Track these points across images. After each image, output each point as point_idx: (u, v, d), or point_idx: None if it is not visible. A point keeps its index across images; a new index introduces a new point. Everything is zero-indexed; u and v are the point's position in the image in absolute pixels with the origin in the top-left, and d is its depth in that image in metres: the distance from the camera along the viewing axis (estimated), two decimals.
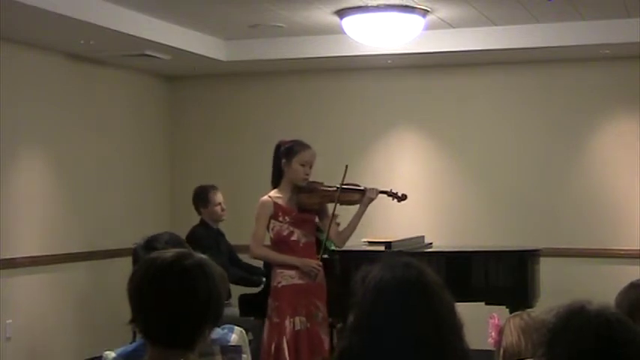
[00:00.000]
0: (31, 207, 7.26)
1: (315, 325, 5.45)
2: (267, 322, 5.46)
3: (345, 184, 5.66)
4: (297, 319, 5.38)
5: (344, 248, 6.52)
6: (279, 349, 5.33)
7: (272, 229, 5.48)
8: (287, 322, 5.36)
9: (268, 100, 8.97)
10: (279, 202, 5.47)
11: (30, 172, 7.28)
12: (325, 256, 6.36)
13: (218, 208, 7.03)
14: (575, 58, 8.06)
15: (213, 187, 7.10)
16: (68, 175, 7.70)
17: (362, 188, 5.68)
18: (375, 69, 8.59)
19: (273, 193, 5.51)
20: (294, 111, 8.83)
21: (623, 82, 8.03)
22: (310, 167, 5.50)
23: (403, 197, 5.87)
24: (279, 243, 5.49)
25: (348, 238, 5.73)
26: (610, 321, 2.00)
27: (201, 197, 7.07)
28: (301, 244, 5.50)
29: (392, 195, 5.84)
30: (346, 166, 5.59)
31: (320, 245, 5.80)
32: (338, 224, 5.84)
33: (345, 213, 5.88)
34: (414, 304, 2.13)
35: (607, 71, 8.09)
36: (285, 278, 5.44)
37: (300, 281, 5.44)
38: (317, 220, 5.66)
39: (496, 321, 3.04)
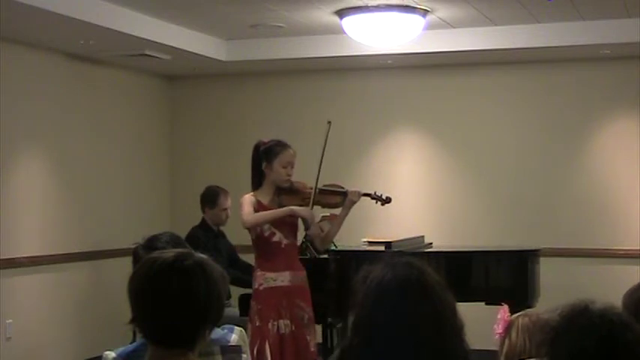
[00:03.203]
0: (31, 207, 7.26)
1: (301, 327, 5.37)
2: (249, 326, 5.35)
3: (327, 186, 5.60)
4: (281, 322, 5.31)
5: (344, 248, 6.54)
6: (261, 352, 5.26)
7: (254, 229, 5.40)
8: (270, 326, 5.29)
9: (268, 100, 8.97)
10: (262, 201, 5.41)
11: (30, 172, 7.28)
12: (325, 255, 6.37)
13: (224, 213, 7.03)
14: (575, 58, 8.06)
15: (224, 191, 7.09)
16: (68, 175, 7.70)
17: (344, 190, 5.58)
18: (375, 69, 8.58)
19: (255, 193, 5.44)
20: (294, 111, 8.83)
21: (623, 82, 8.03)
22: (292, 167, 5.43)
23: (387, 200, 5.78)
24: (261, 244, 5.41)
25: (329, 241, 5.68)
26: (613, 321, 2.01)
27: (210, 198, 7.06)
28: (283, 245, 5.41)
29: (375, 198, 5.75)
30: (329, 122, 5.59)
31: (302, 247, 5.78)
32: (334, 215, 5.71)
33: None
34: (415, 304, 2.13)
35: (607, 71, 8.09)
36: (267, 280, 5.36)
37: (282, 283, 5.37)
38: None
39: (505, 315, 3.01)
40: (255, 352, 5.25)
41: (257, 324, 5.32)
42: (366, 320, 2.16)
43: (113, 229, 8.08)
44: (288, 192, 5.47)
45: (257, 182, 5.47)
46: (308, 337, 5.40)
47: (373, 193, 5.76)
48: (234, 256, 7.20)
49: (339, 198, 5.57)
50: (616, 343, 1.99)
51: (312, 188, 5.54)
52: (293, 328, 5.34)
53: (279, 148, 5.40)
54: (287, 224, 5.44)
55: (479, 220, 8.34)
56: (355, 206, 5.62)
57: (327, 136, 5.63)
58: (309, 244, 5.96)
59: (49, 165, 7.51)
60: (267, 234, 5.38)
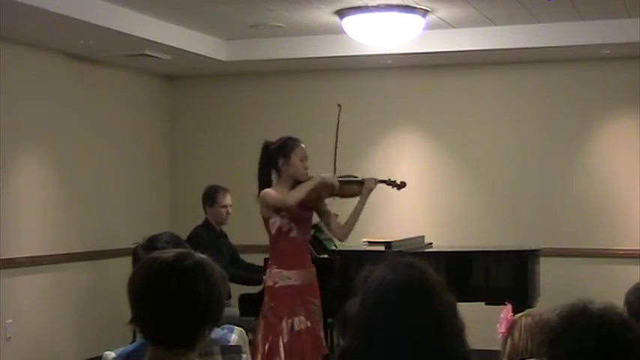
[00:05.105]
0: (31, 207, 7.26)
1: (315, 323, 5.44)
2: (261, 322, 5.41)
3: (343, 177, 5.64)
4: (296, 319, 5.35)
5: (345, 248, 6.54)
6: (273, 349, 5.30)
7: (273, 224, 5.43)
8: (284, 324, 5.33)
9: (268, 100, 8.97)
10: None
11: (30, 172, 7.28)
12: (325, 255, 6.38)
13: (223, 210, 7.06)
14: (575, 58, 8.06)
15: (224, 189, 7.14)
16: (68, 175, 7.70)
17: (360, 179, 5.63)
18: (375, 69, 8.58)
19: (274, 188, 5.45)
20: (294, 111, 8.82)
21: (623, 82, 8.03)
22: (306, 161, 5.49)
23: (402, 185, 5.84)
24: (278, 239, 5.45)
25: (350, 230, 5.66)
26: (612, 321, 2.01)
27: (210, 196, 7.11)
28: (299, 241, 5.47)
29: (391, 183, 5.81)
30: (339, 105, 5.72)
31: (320, 244, 5.80)
32: (337, 215, 5.77)
33: (344, 205, 5.83)
34: (416, 305, 2.13)
35: (607, 71, 8.09)
36: (282, 279, 5.40)
37: (296, 282, 5.41)
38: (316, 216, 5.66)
39: (508, 314, 3.01)
40: (266, 348, 5.31)
41: (270, 320, 5.37)
42: (366, 321, 2.16)
43: (113, 229, 8.08)
44: None
45: (265, 183, 5.48)
46: (321, 334, 5.52)
47: (388, 179, 5.82)
48: (236, 257, 7.21)
49: (356, 187, 5.62)
50: (616, 343, 1.99)
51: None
52: (309, 324, 5.40)
53: (293, 142, 5.47)
54: (304, 220, 5.50)
55: (479, 220, 8.34)
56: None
57: (338, 120, 5.68)
58: (309, 245, 5.97)
59: (49, 165, 7.50)
60: (286, 229, 5.43)
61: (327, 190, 5.53)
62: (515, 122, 8.36)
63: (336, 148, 5.66)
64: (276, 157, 5.44)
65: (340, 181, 5.59)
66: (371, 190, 5.59)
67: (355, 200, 5.64)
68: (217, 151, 9.05)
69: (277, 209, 5.39)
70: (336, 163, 5.69)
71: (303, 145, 5.48)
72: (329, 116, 8.68)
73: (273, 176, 5.49)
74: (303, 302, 5.41)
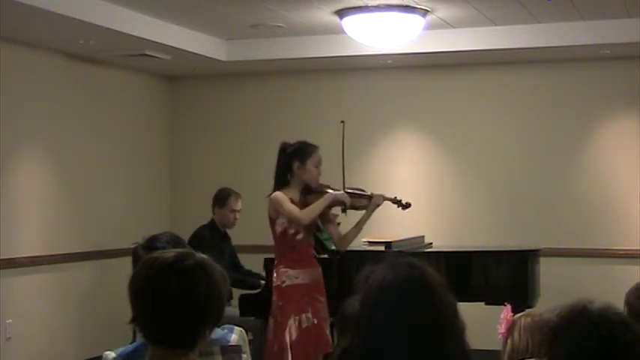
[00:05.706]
0: (31, 207, 7.26)
1: (321, 320, 5.50)
2: (271, 321, 5.51)
3: (353, 189, 5.74)
4: (303, 316, 5.42)
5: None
6: (282, 348, 5.37)
7: (280, 225, 5.48)
8: (291, 321, 5.39)
9: (268, 100, 8.96)
10: (293, 199, 5.50)
11: (30, 172, 7.28)
12: (325, 255, 6.39)
13: (231, 215, 7.08)
14: (575, 58, 8.06)
15: (236, 194, 7.16)
16: (68, 175, 7.70)
17: (369, 194, 5.74)
18: (375, 69, 8.58)
19: (285, 191, 5.50)
20: (294, 111, 8.82)
21: (623, 82, 8.03)
22: (320, 166, 5.57)
23: (407, 205, 5.96)
24: (286, 241, 5.51)
25: (350, 242, 5.78)
26: (612, 321, 2.00)
27: (220, 198, 7.13)
28: (305, 243, 5.55)
29: (397, 202, 5.92)
30: (342, 122, 5.79)
31: (321, 244, 5.83)
32: (339, 224, 5.86)
33: (347, 215, 5.90)
34: (416, 305, 2.13)
35: (607, 71, 8.09)
36: (290, 278, 5.47)
37: (303, 281, 5.48)
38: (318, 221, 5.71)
39: (508, 315, 3.01)
40: (275, 347, 5.37)
41: (279, 319, 5.44)
42: (366, 321, 2.16)
43: (113, 229, 8.08)
44: (314, 192, 5.57)
45: (282, 182, 5.53)
46: (327, 331, 5.57)
47: (395, 197, 5.92)
48: (235, 260, 7.22)
49: (365, 201, 5.73)
50: (616, 343, 1.99)
51: (337, 190, 5.68)
52: (315, 321, 5.46)
53: (311, 148, 5.54)
54: (310, 225, 5.57)
55: (479, 220, 8.34)
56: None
57: (343, 135, 5.76)
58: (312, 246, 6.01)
59: (49, 165, 7.50)
60: (292, 231, 5.49)
61: (338, 206, 5.65)
62: (515, 122, 8.36)
63: (343, 164, 5.73)
64: (291, 160, 5.50)
65: (349, 193, 5.68)
66: (378, 206, 5.71)
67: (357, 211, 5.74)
68: (217, 151, 9.05)
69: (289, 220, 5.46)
70: (344, 172, 5.75)
71: (320, 152, 5.55)
72: (329, 116, 8.71)
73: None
74: (310, 300, 5.47)
